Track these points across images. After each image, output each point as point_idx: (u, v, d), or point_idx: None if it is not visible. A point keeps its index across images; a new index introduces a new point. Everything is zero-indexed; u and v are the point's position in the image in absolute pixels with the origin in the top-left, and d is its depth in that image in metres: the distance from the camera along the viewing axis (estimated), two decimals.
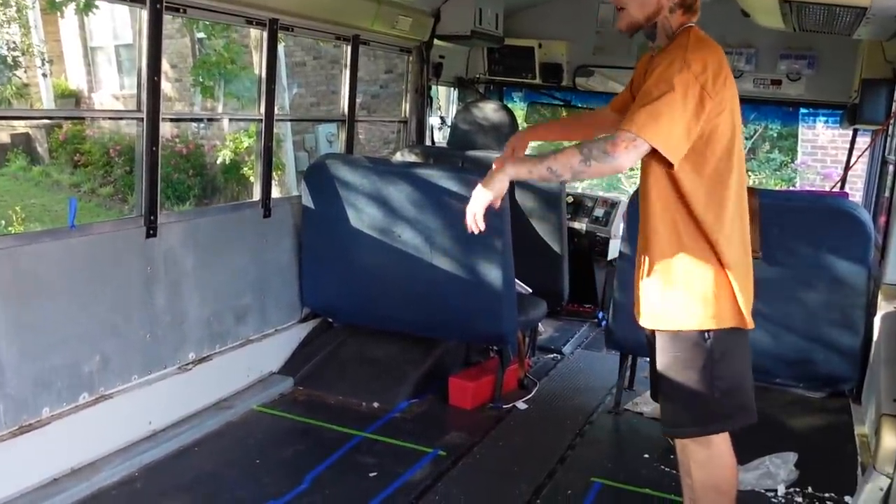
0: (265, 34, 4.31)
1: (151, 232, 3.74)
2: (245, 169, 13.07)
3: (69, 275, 3.40)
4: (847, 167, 5.75)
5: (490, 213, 4.10)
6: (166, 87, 14.01)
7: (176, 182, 13.68)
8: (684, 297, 2.69)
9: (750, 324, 2.70)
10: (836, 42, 4.92)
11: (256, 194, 4.57)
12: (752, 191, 3.91)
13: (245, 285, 4.37)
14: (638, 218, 2.84)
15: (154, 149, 3.69)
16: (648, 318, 2.81)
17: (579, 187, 7.02)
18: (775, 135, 13.25)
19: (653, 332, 2.83)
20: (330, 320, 4.91)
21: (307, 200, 4.56)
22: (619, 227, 6.13)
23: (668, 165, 2.56)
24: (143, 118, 3.65)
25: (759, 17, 4.27)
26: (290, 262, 4.67)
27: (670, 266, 2.71)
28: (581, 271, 6.13)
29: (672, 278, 2.71)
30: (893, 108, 4.78)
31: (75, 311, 3.43)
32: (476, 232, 2.66)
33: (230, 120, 14.85)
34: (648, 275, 2.78)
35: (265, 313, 4.52)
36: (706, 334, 2.67)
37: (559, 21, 6.54)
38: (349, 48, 5.07)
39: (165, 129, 13.37)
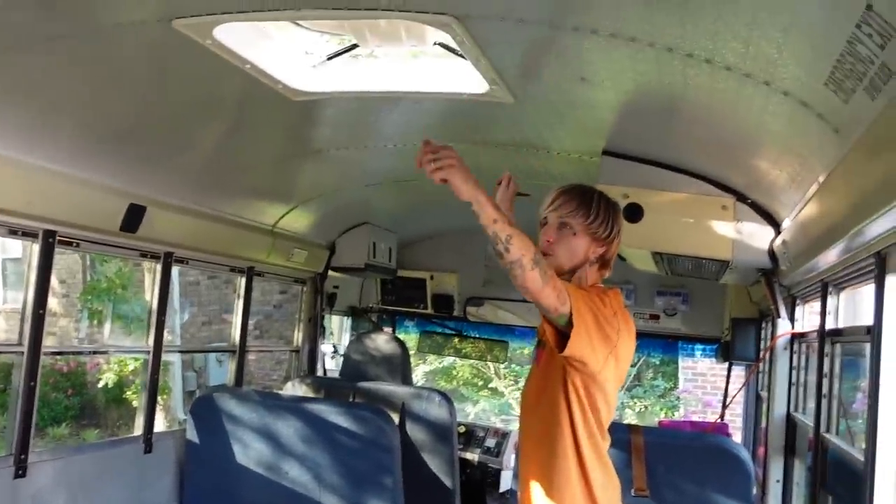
0: (159, 266, 4.34)
1: (20, 472, 3.51)
2: (129, 393, 12.60)
3: None
4: (725, 402, 5.99)
5: (380, 450, 4.09)
6: (52, 302, 13.66)
7: (53, 402, 13.02)
8: None
9: None
10: (706, 282, 5.29)
11: (138, 427, 4.40)
12: (636, 428, 4.03)
13: None
14: None
15: (32, 384, 3.55)
16: None
17: (471, 415, 7.03)
18: (658, 361, 13.80)
19: None
20: None
21: (192, 435, 4.41)
22: (510, 458, 6.11)
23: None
24: (23, 352, 3.54)
25: (634, 262, 4.59)
26: (170, 501, 4.43)
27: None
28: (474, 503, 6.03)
29: None
30: (762, 346, 5.09)
31: None
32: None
33: (116, 351, 14.49)
34: None
35: None
36: None
37: (450, 254, 6.84)
38: (243, 280, 5.13)
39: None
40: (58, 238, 3.58)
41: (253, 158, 4.16)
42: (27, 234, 3.50)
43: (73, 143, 3.33)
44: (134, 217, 3.85)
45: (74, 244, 3.77)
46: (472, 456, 6.29)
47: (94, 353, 14.43)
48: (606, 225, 2.76)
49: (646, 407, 13.11)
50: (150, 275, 4.51)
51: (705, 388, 12.28)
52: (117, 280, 12.91)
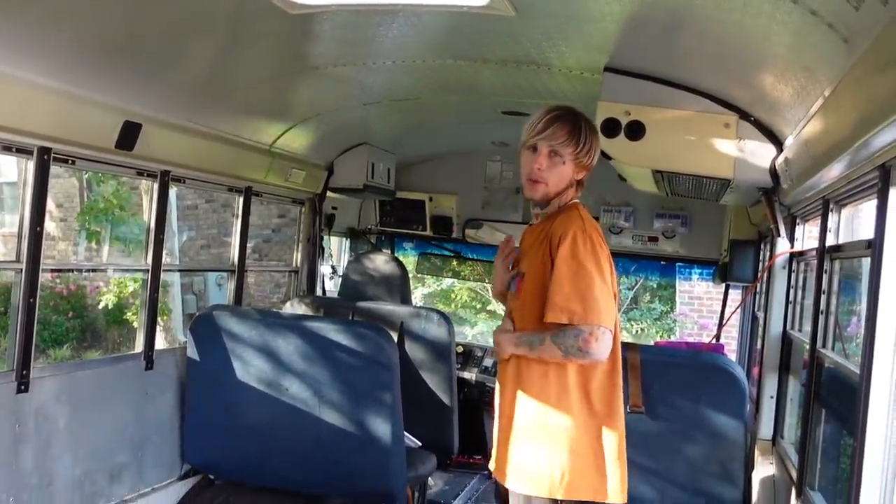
0: (156, 185, 4.31)
1: (23, 387, 3.55)
2: (129, 314, 12.67)
3: None
4: (721, 322, 6.04)
5: (379, 367, 4.13)
6: (50, 226, 13.64)
7: (54, 324, 13.12)
8: (545, 461, 2.77)
9: (613, 497, 2.78)
10: (706, 204, 5.28)
11: (139, 345, 4.43)
12: (633, 346, 4.07)
13: (122, 442, 4.16)
14: None
15: (31, 300, 3.56)
16: (507, 475, 2.88)
17: (468, 337, 7.10)
18: (655, 285, 13.89)
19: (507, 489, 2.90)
20: (212, 477, 4.70)
21: (192, 352, 4.45)
22: None
23: None
24: (21, 269, 3.54)
25: (635, 182, 4.56)
26: (171, 417, 4.49)
27: (545, 429, 2.79)
28: (471, 422, 6.12)
29: (542, 440, 2.79)
30: (761, 267, 5.11)
31: None
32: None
33: (115, 270, 14.49)
34: (518, 432, 2.85)
35: (142, 471, 4.29)
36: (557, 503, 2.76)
37: (449, 176, 6.81)
38: (241, 199, 5.10)
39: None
40: (53, 155, 3.54)
41: (249, 75, 4.09)
42: (22, 151, 3.47)
43: (65, 58, 3.27)
44: (129, 134, 3.81)
45: (70, 161, 3.74)
46: (470, 375, 6.37)
47: (93, 270, 14.43)
48: (591, 152, 2.90)
49: (642, 329, 13.24)
50: (148, 196, 4.48)
51: (702, 312, 12.38)
52: (115, 200, 12.84)
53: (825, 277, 3.37)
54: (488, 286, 12.85)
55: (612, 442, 2.80)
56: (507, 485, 2.88)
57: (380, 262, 5.47)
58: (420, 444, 4.78)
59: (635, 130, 3.79)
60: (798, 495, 3.27)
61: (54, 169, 3.59)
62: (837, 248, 3.26)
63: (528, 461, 2.81)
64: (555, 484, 2.75)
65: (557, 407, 2.77)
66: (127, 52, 3.41)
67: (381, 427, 4.15)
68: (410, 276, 6.03)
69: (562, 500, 2.76)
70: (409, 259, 7.61)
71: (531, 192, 2.90)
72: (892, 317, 2.32)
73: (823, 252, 3.35)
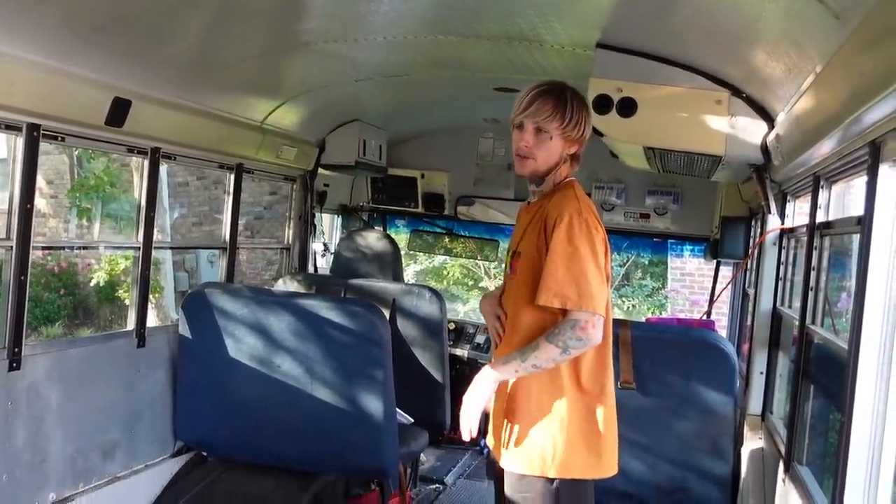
0: (146, 162, 4.29)
1: (14, 364, 3.55)
2: (121, 291, 12.65)
3: None
4: (712, 299, 6.06)
5: (371, 344, 4.15)
6: (40, 203, 13.58)
7: (45, 301, 13.10)
8: (537, 440, 2.81)
9: (605, 472, 2.82)
10: (697, 181, 5.28)
11: (131, 322, 4.43)
12: (624, 323, 4.09)
13: (114, 419, 4.17)
14: None
15: (22, 278, 3.55)
16: (501, 454, 2.91)
17: (461, 314, 7.11)
18: (647, 262, 13.93)
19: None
20: (204, 454, 4.72)
21: (184, 330, 4.45)
22: None
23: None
24: (12, 246, 3.53)
25: (626, 159, 4.56)
26: (163, 394, 4.50)
27: (538, 409, 2.81)
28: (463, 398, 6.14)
29: (535, 420, 2.82)
30: (751, 244, 5.12)
31: None
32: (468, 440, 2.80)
33: (106, 248, 14.42)
34: (512, 412, 2.87)
35: (135, 448, 4.31)
36: (553, 482, 2.79)
37: (441, 153, 6.80)
38: (232, 176, 5.09)
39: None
40: (42, 132, 3.52)
41: (239, 51, 4.06)
42: (11, 128, 3.45)
43: (54, 34, 3.24)
44: (119, 111, 3.78)
45: (59, 138, 3.72)
46: (462, 352, 6.40)
47: (84, 248, 14.36)
48: (579, 126, 2.85)
49: (633, 306, 13.30)
50: (139, 173, 4.45)
51: (693, 288, 12.44)
52: (105, 177, 12.77)
53: (815, 254, 3.38)
54: (481, 263, 12.90)
55: (603, 420, 2.83)
56: (501, 464, 2.90)
57: (371, 239, 5.47)
58: (412, 420, 4.80)
59: (627, 107, 3.78)
60: (786, 470, 3.31)
61: (44, 146, 3.58)
62: (827, 225, 3.27)
63: (520, 440, 2.83)
64: (547, 463, 2.78)
65: (550, 387, 2.79)
66: (116, 28, 3.38)
67: (374, 404, 4.16)
68: (402, 253, 6.04)
69: (554, 478, 2.78)
70: (401, 236, 7.62)
71: (520, 168, 2.89)
72: (881, 293, 2.34)
73: (814, 229, 3.36)
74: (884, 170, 2.28)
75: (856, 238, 2.61)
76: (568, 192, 2.85)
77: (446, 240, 7.81)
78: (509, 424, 2.87)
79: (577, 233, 2.71)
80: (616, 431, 2.91)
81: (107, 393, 4.13)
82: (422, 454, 5.32)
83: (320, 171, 5.94)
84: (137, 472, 4.31)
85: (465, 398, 2.82)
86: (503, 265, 3.23)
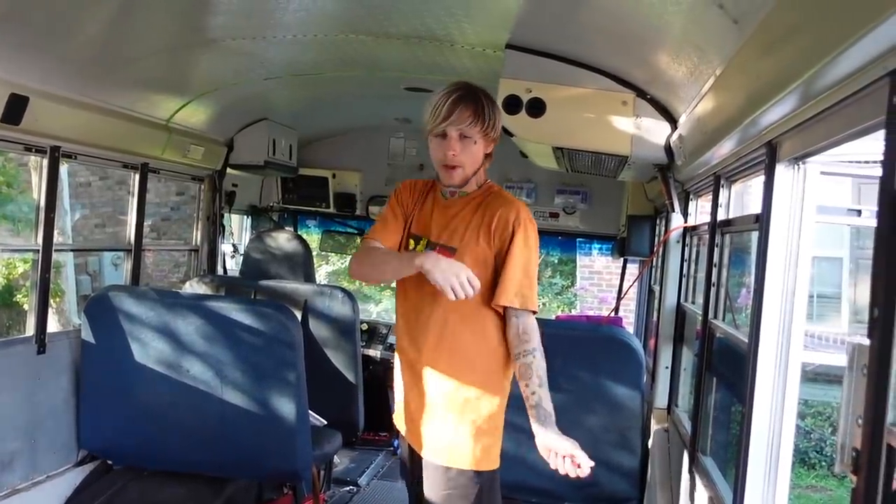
0: (45, 162, 4.14)
1: None
2: (19, 296, 12.12)
3: None
4: (619, 296, 6.21)
5: (282, 346, 4.09)
6: None
7: None
8: (471, 435, 2.85)
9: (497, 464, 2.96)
10: (605, 181, 5.40)
11: (30, 328, 4.26)
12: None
13: (13, 429, 3.99)
14: None
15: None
16: (430, 449, 2.91)
17: (373, 314, 7.09)
18: (556, 260, 14.15)
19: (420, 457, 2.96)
20: (110, 463, 4.58)
21: (87, 335, 4.30)
22: None
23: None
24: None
25: (536, 159, 4.63)
26: (66, 402, 4.34)
27: (466, 403, 2.85)
28: (376, 399, 6.13)
29: (463, 415, 2.85)
30: (656, 242, 5.27)
31: None
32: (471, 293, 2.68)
33: (3, 251, 13.80)
34: (439, 406, 2.89)
35: (35, 458, 4.14)
36: (480, 474, 2.84)
37: (352, 153, 6.77)
38: (137, 176, 4.94)
39: None
40: None
41: (144, 47, 3.96)
42: None
43: None
44: (16, 107, 3.63)
45: None
46: (375, 352, 6.38)
47: None
48: (496, 125, 2.92)
49: (544, 304, 13.49)
50: (38, 173, 4.28)
51: (601, 286, 12.71)
52: (1, 178, 12.23)
53: (716, 251, 3.50)
54: None
55: (503, 413, 2.94)
56: (424, 455, 2.91)
57: (282, 239, 5.40)
58: (325, 422, 4.76)
59: (536, 108, 3.84)
60: (691, 460, 3.41)
61: None
62: (728, 223, 3.39)
63: (444, 433, 2.85)
64: (476, 455, 2.83)
65: (472, 379, 2.85)
66: (11, 21, 3.24)
67: (286, 406, 4.11)
68: (314, 253, 5.98)
69: (481, 471, 2.84)
70: (313, 237, 7.55)
71: (449, 178, 2.88)
72: (778, 287, 2.44)
73: (715, 226, 3.48)
74: (780, 169, 2.37)
75: (754, 235, 2.71)
76: (506, 195, 2.96)
77: (358, 240, 7.77)
78: (435, 417, 2.87)
79: (532, 238, 2.88)
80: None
81: (4, 402, 3.95)
82: (335, 456, 5.28)
83: (229, 170, 5.84)
84: (39, 483, 4.15)
85: (439, 272, 2.65)
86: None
